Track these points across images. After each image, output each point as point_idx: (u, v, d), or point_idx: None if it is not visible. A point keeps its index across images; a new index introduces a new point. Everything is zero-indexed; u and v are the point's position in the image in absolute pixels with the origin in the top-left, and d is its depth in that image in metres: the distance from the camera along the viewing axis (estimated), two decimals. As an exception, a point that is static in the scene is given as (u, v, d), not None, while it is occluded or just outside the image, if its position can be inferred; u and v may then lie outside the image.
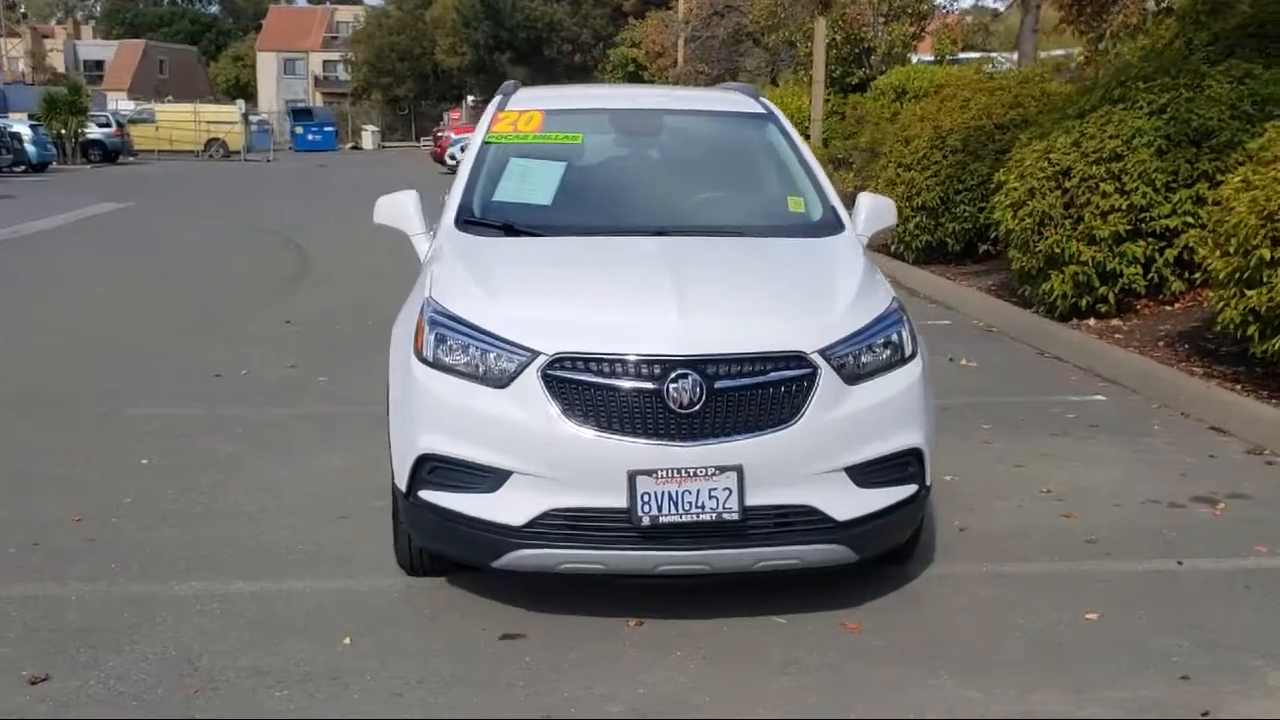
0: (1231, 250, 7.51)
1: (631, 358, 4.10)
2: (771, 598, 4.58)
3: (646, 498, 4.04)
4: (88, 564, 5.00)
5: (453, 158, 30.90)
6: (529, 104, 5.71)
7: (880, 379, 4.34)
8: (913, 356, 4.49)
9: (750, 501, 4.09)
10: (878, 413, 4.29)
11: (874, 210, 5.38)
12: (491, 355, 4.23)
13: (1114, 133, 9.84)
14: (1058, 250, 9.78)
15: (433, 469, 4.29)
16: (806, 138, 15.24)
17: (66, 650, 4.20)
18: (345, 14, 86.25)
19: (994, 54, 25.74)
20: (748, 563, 4.22)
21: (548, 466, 4.11)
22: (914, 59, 23.57)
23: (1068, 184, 9.82)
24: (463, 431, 4.23)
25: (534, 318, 4.29)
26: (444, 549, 4.53)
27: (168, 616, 4.50)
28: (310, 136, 59.88)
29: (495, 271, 4.63)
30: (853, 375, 4.27)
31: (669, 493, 4.04)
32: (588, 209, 5.29)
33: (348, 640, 4.31)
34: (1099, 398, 8.00)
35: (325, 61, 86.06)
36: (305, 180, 33.96)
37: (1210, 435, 7.00)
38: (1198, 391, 7.61)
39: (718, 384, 4.08)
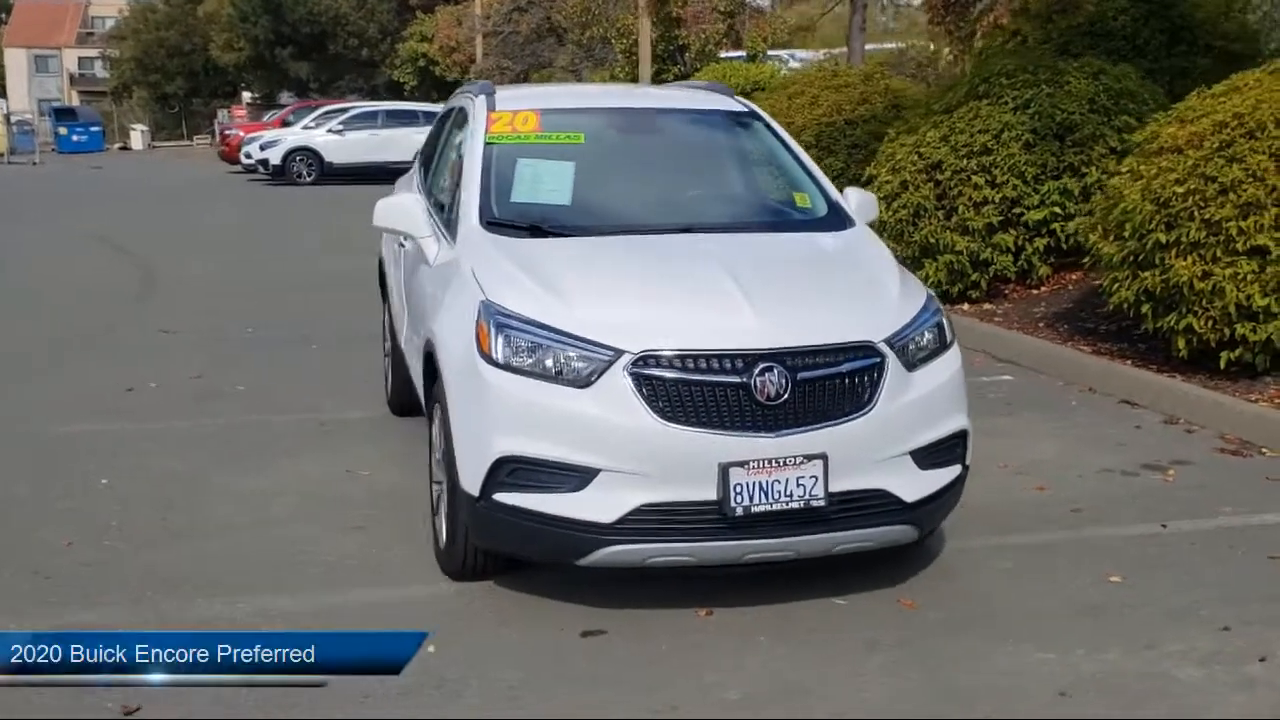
0: (1126, 235, 8.06)
1: (718, 353, 4.20)
2: (815, 581, 4.73)
3: (739, 489, 4.15)
4: (116, 590, 4.79)
5: (248, 156, 29.85)
6: (519, 104, 5.70)
7: (931, 365, 4.56)
8: (952, 343, 4.72)
9: (833, 488, 4.24)
10: (933, 398, 4.51)
11: (862, 203, 5.60)
12: (572, 355, 4.25)
13: (983, 127, 10.39)
14: (933, 240, 10.27)
15: (512, 471, 4.29)
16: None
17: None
18: (100, 8, 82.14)
19: (796, 52, 26.63)
20: (827, 547, 4.38)
21: (638, 463, 4.17)
22: (723, 56, 24.14)
23: (940, 177, 10.33)
24: (545, 432, 4.24)
25: (610, 317, 4.34)
26: (519, 551, 4.53)
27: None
28: (75, 137, 56.77)
29: (550, 272, 4.63)
30: (911, 363, 4.48)
31: (760, 483, 4.16)
32: (608, 208, 5.34)
33: (431, 648, 4.25)
34: (1007, 377, 8.46)
35: (81, 58, 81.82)
36: (90, 183, 32.24)
37: (1124, 409, 7.51)
38: (1101, 368, 8.15)
39: (800, 375, 4.23)
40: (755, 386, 4.17)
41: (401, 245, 6.05)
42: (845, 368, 4.31)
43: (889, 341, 4.41)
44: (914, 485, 4.43)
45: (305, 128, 29.68)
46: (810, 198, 5.51)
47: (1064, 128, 10.22)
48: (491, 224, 5.07)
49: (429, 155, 6.44)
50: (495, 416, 4.32)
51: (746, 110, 5.98)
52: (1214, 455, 6.54)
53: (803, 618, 4.51)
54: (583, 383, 4.23)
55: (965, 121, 10.53)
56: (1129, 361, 8.18)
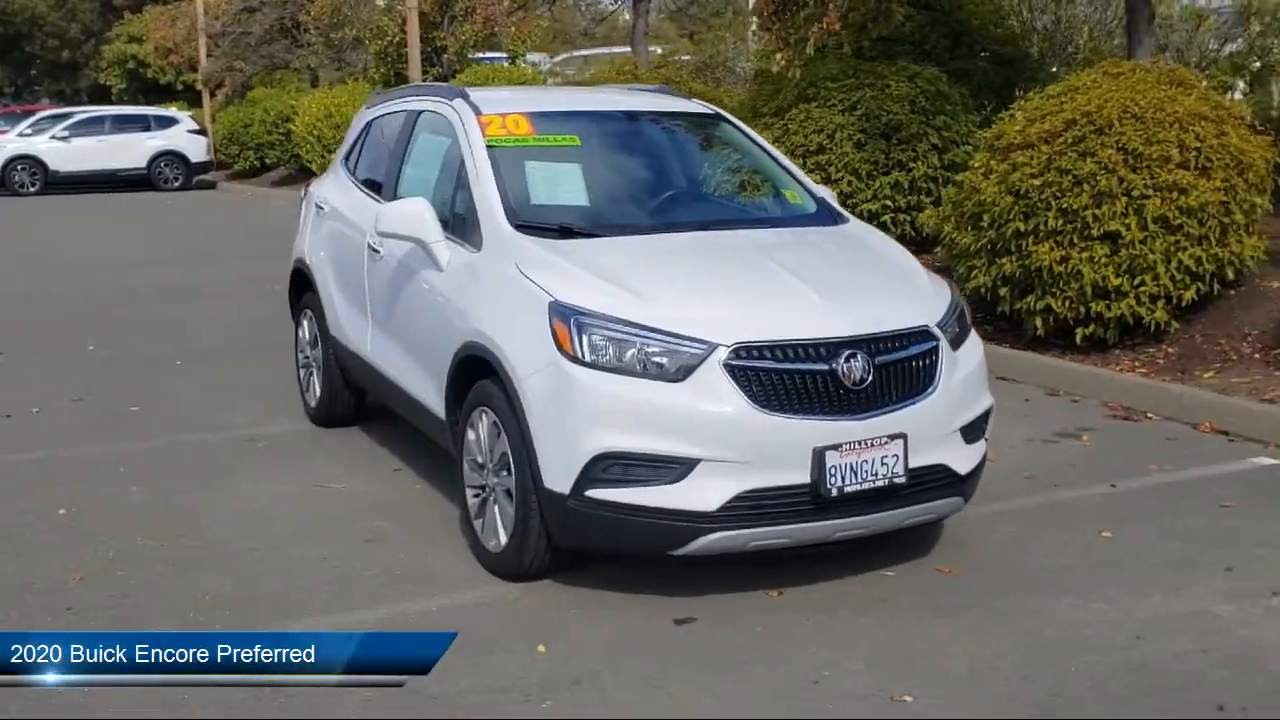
0: (984, 225, 8.74)
1: (807, 342, 4.43)
2: (854, 558, 4.99)
3: (834, 471, 4.39)
4: (161, 617, 4.57)
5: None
6: (503, 107, 5.72)
7: (965, 347, 4.93)
8: (971, 325, 5.10)
9: (910, 464, 4.54)
10: (971, 377, 4.88)
11: (832, 198, 5.93)
12: (664, 350, 4.38)
13: (816, 128, 11.01)
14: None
15: (608, 466, 4.38)
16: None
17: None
18: None
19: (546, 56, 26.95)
20: (899, 521, 4.67)
21: (737, 451, 4.34)
22: (480, 58, 24.11)
23: (778, 174, 10.83)
24: (643, 426, 4.35)
25: (693, 311, 4.50)
26: (609, 545, 4.63)
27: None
28: None
29: (611, 270, 4.72)
30: (953, 345, 4.82)
31: (850, 464, 4.42)
32: (625, 208, 5.46)
33: (542, 648, 4.30)
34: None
35: None
36: None
37: (1005, 384, 8.13)
38: (973, 349, 8.79)
39: (878, 360, 4.51)
40: (842, 372, 4.42)
41: (375, 251, 5.95)
42: (913, 350, 4.63)
43: (940, 326, 4.75)
44: (964, 459, 4.78)
45: (22, 135, 27.69)
46: (798, 194, 5.80)
47: (890, 127, 10.93)
48: (520, 226, 5.09)
49: (388, 163, 6.29)
50: (589, 414, 4.40)
51: (713, 113, 6.21)
52: (1110, 422, 7.23)
53: (864, 592, 4.78)
54: (678, 376, 4.36)
55: (798, 123, 11.12)
56: (989, 342, 8.86)
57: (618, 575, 4.83)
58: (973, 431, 4.85)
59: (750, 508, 4.38)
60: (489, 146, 5.44)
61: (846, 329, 4.50)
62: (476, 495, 5.04)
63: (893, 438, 4.49)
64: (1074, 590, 4.76)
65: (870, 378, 4.47)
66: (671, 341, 4.39)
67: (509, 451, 4.71)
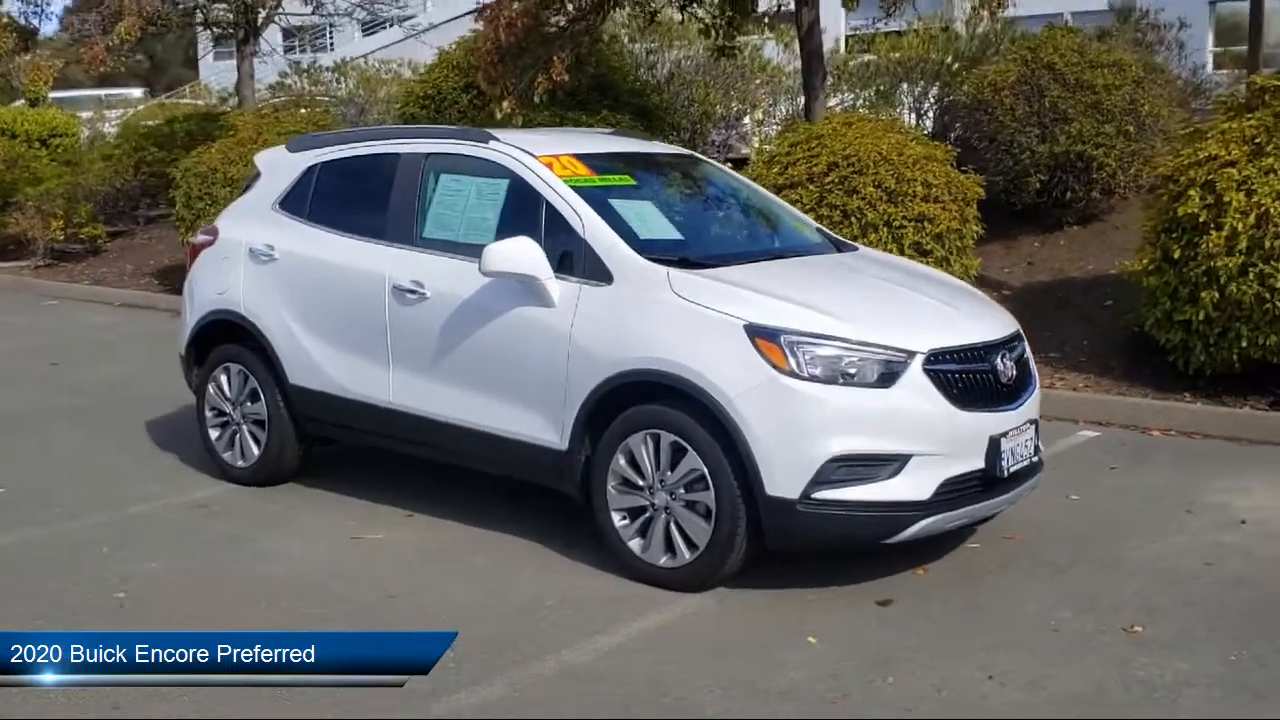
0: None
1: (976, 345, 5.19)
2: (938, 539, 5.49)
3: (1005, 455, 5.17)
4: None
5: None
6: (546, 149, 5.89)
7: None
8: None
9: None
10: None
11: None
12: (870, 360, 4.94)
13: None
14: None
15: (839, 468, 4.86)
16: None
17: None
18: None
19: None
20: (1017, 497, 5.47)
21: (940, 445, 4.99)
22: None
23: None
24: (864, 429, 4.90)
25: (881, 324, 5.08)
26: (833, 541, 5.10)
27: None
28: None
29: (779, 292, 5.17)
30: (1019, 347, 5.76)
31: (1012, 449, 5.22)
32: (711, 240, 5.89)
33: (813, 639, 4.69)
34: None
35: None
36: None
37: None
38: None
39: (1015, 358, 5.35)
40: (1000, 369, 5.21)
41: (414, 293, 5.87)
42: (1021, 349, 5.51)
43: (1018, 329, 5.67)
44: (1039, 444, 5.70)
45: None
46: (803, 225, 6.48)
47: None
48: (650, 259, 5.38)
49: (395, 207, 6.13)
50: (817, 423, 4.86)
51: (689, 155, 6.75)
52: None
53: (989, 560, 5.52)
54: (886, 382, 4.94)
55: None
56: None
57: (757, 576, 5.22)
58: (1036, 422, 5.79)
59: (949, 494, 5.04)
60: (572, 187, 5.64)
61: (991, 333, 5.31)
62: (627, 516, 5.26)
63: (1030, 423, 5.35)
64: (1100, 559, 5.56)
65: (1015, 373, 5.29)
66: (878, 352, 4.96)
67: (703, 468, 5.01)
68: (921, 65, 13.69)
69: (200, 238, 7.12)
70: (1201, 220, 7.86)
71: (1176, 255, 8.00)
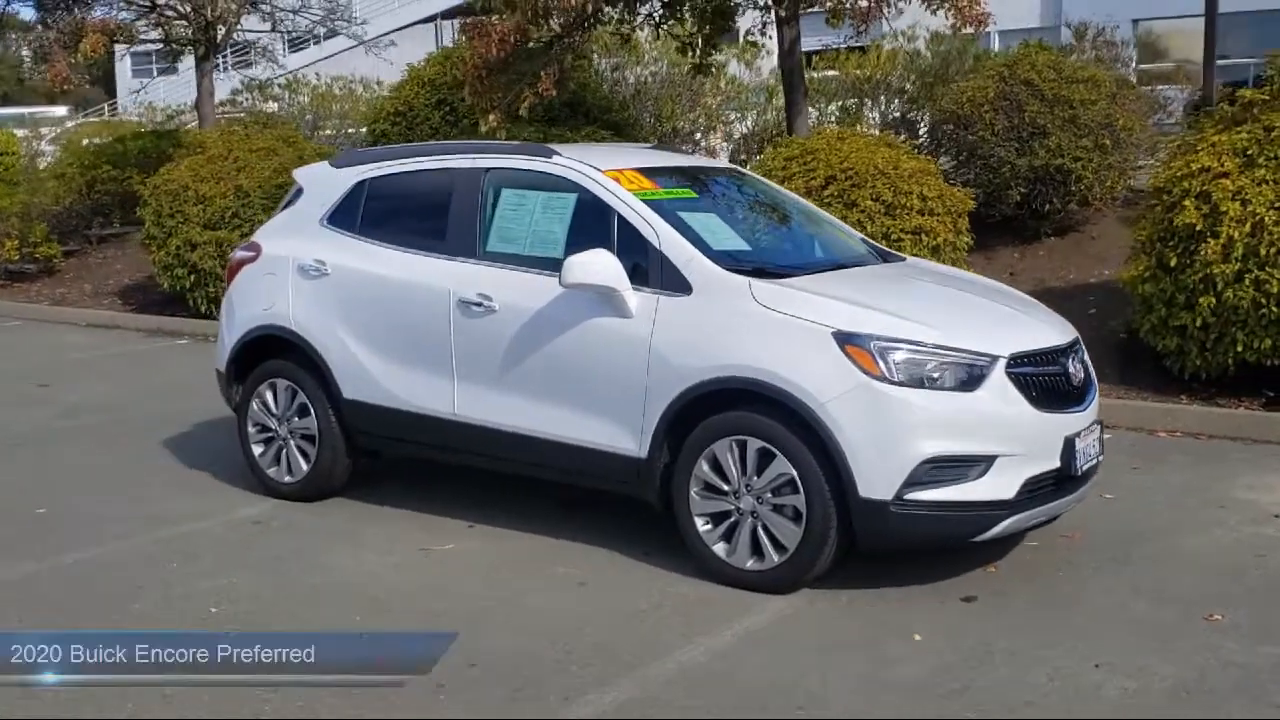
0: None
1: (1049, 349, 5.39)
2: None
3: (1079, 454, 5.36)
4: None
5: None
6: (609, 163, 6.00)
7: (1070, 351, 6.08)
8: None
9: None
10: (1083, 377, 6.04)
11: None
12: (957, 364, 5.11)
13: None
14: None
15: (931, 469, 5.02)
16: None
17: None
18: None
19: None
20: (1083, 495, 5.67)
21: (1022, 445, 5.18)
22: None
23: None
24: (953, 431, 5.06)
25: (963, 330, 5.25)
26: (924, 540, 5.26)
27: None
28: None
29: (861, 300, 5.33)
30: (1073, 352, 5.97)
31: (1084, 449, 5.42)
32: (777, 251, 6.02)
33: (918, 636, 4.84)
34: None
35: None
36: None
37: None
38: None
39: (1082, 361, 5.56)
40: (1070, 372, 5.41)
41: (480, 305, 5.93)
42: (1082, 353, 5.71)
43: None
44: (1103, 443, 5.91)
45: None
46: (849, 236, 6.64)
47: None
48: (727, 269, 5.50)
49: (456, 221, 6.19)
50: (908, 426, 5.01)
51: (734, 169, 6.89)
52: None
53: (1048, 557, 5.72)
54: (972, 386, 5.11)
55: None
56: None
57: (839, 577, 5.36)
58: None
59: (1030, 492, 5.22)
60: (644, 200, 5.74)
61: (1059, 337, 5.52)
62: (710, 521, 5.38)
63: (1096, 423, 5.56)
64: (1170, 532, 6.00)
65: (1082, 375, 5.50)
66: (964, 356, 5.13)
67: (793, 472, 5.14)
68: (885, 82, 14.00)
69: (240, 254, 7.09)
70: (1198, 229, 8.17)
71: (1173, 263, 8.31)
